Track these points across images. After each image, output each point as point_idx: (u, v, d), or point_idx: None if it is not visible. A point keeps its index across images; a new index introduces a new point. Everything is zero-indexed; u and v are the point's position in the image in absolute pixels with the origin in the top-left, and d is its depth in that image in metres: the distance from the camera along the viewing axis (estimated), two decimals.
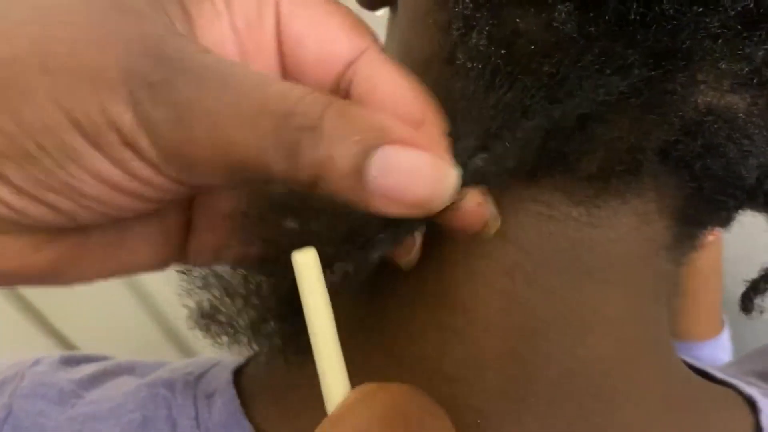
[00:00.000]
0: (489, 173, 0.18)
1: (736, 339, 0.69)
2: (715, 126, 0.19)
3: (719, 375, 0.27)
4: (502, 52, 0.18)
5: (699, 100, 0.19)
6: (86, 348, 0.73)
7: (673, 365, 0.25)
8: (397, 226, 0.19)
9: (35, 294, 0.68)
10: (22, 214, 0.17)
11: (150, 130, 0.16)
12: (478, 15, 0.19)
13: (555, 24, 0.17)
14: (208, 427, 0.22)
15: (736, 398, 0.25)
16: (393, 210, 0.16)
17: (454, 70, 0.19)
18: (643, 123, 0.19)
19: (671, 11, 0.17)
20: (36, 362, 0.26)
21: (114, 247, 0.21)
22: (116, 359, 0.28)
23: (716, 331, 0.67)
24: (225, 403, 0.23)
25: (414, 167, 0.16)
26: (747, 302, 0.24)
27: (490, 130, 0.18)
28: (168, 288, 0.83)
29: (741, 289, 0.24)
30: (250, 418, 0.23)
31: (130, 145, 0.16)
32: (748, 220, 0.23)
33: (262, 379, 0.25)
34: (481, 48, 0.18)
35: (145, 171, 0.17)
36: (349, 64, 0.19)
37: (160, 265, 0.23)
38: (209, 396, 0.24)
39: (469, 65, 0.18)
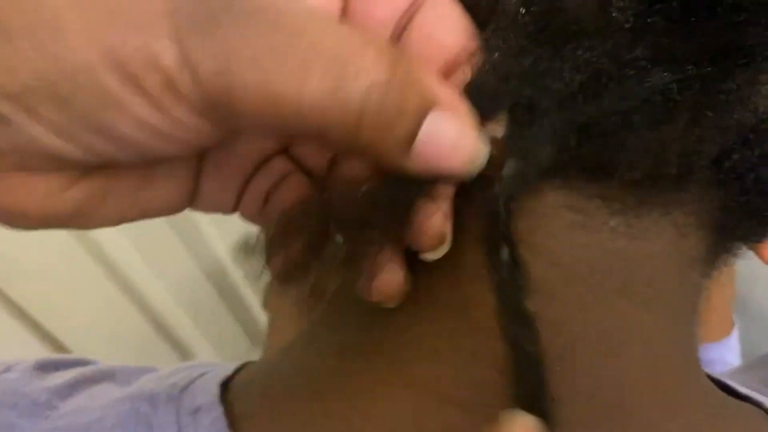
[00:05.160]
0: (525, 176, 0.17)
1: (742, 339, 0.68)
2: None
3: (742, 390, 0.25)
4: (535, 27, 0.16)
5: (758, 105, 0.17)
6: (80, 352, 0.71)
7: (703, 383, 0.23)
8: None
9: (27, 298, 0.66)
10: (56, 153, 0.16)
11: (194, 74, 0.14)
12: None
13: (611, 10, 0.16)
14: None
15: (758, 413, 0.24)
16: (426, 173, 0.16)
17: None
18: (696, 127, 0.17)
19: (745, 2, 0.15)
20: (7, 369, 0.24)
21: (138, 189, 0.20)
22: (97, 364, 0.26)
23: (726, 332, 0.66)
24: (213, 421, 0.21)
25: (457, 139, 0.16)
26: None
27: (518, 126, 0.16)
28: (162, 288, 0.82)
29: (749, 289, 0.23)
30: None
31: (172, 88, 0.15)
32: None
33: (255, 392, 0.23)
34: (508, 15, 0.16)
35: (187, 116, 0.15)
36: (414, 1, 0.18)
37: (174, 210, 0.21)
38: (194, 412, 0.21)
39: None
